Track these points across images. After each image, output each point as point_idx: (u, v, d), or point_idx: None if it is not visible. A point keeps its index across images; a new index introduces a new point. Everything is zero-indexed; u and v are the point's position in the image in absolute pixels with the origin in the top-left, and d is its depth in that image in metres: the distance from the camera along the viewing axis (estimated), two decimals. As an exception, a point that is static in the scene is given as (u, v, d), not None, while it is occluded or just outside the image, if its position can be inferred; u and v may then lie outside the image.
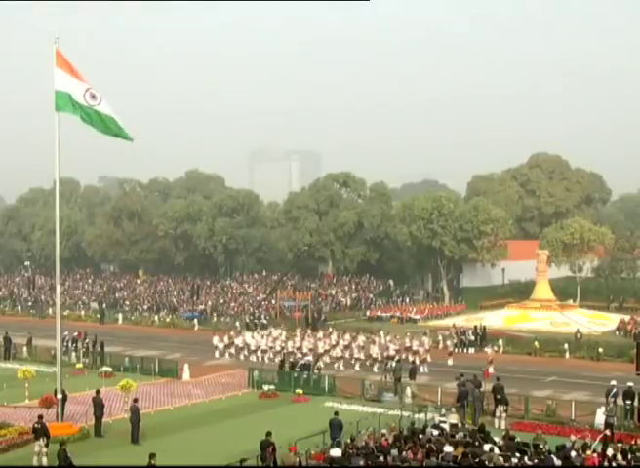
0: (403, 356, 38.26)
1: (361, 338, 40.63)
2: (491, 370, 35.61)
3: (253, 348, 41.24)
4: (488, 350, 39.01)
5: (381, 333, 41.72)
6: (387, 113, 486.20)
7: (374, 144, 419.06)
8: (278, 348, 40.07)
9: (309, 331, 44.51)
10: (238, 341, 42.29)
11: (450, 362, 39.08)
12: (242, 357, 41.17)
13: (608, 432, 22.83)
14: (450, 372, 33.07)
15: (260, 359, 40.14)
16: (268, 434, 20.00)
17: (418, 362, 36.94)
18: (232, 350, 42.10)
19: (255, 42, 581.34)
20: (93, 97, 24.45)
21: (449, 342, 43.20)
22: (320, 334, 42.65)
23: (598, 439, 21.06)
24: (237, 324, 55.73)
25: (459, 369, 34.95)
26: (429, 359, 38.44)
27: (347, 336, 41.44)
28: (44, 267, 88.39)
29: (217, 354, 42.13)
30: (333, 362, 38.66)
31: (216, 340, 42.69)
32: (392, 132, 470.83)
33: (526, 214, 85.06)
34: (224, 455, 20.67)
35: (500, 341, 43.48)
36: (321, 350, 39.41)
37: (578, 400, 28.06)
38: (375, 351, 38.14)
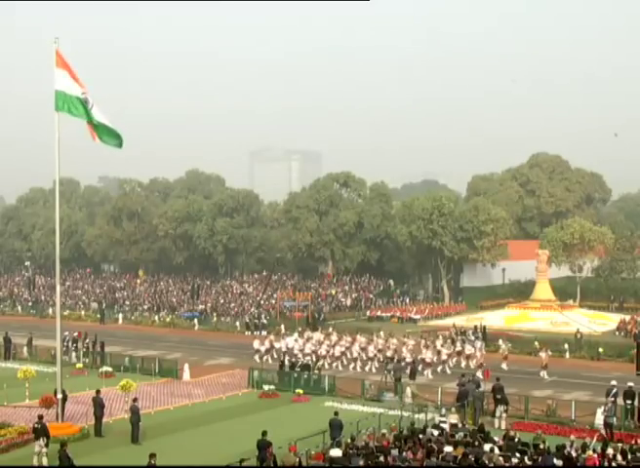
0: (454, 360, 37.70)
1: (392, 341, 39.18)
2: (545, 375, 34.97)
3: (296, 352, 39.15)
4: (542, 354, 36.58)
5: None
6: (388, 113, 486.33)
7: (374, 144, 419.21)
8: (323, 352, 38.65)
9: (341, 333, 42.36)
10: (282, 345, 40.42)
11: (504, 366, 37.35)
12: (286, 361, 37.86)
13: (602, 432, 22.75)
14: (506, 378, 31.56)
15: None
16: (264, 434, 20.01)
17: (472, 366, 36.52)
18: (274, 354, 40.29)
19: (254, 42, 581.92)
20: (87, 101, 24.46)
21: (504, 346, 39.83)
22: (363, 339, 40.23)
23: (595, 439, 21.05)
24: (237, 324, 55.90)
25: (514, 373, 34.84)
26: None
27: (395, 340, 39.68)
28: (44, 267, 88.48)
29: (257, 358, 39.91)
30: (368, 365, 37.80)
31: (256, 344, 40.47)
32: (392, 132, 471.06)
33: (526, 214, 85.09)
34: (224, 455, 20.67)
35: (501, 341, 43.44)
36: (372, 354, 38.06)
37: (578, 400, 28.04)
38: (427, 354, 36.85)
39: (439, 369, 36.73)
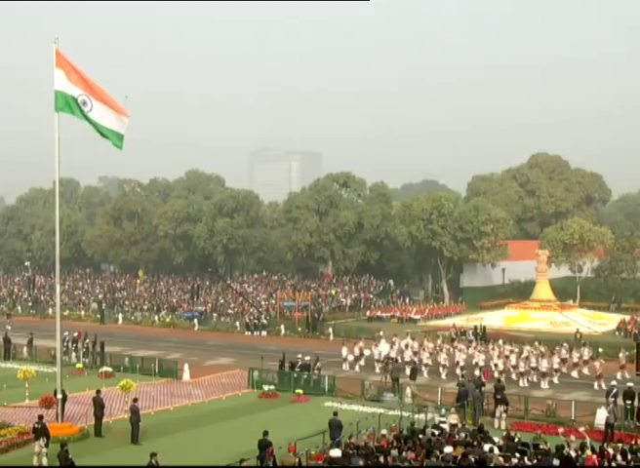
0: (564, 370, 35.67)
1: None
2: (626, 375, 32.68)
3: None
4: (621, 355, 34.77)
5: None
6: (387, 113, 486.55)
7: (374, 144, 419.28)
8: (425, 360, 36.27)
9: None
10: (375, 352, 37.73)
11: (625, 375, 34.10)
12: (377, 370, 36.35)
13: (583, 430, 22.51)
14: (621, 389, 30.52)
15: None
16: (265, 434, 20.03)
17: (575, 375, 35.22)
18: (362, 362, 37.87)
19: (254, 42, 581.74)
20: (84, 103, 24.31)
21: (621, 354, 35.58)
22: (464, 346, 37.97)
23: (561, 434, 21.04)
24: (237, 324, 55.89)
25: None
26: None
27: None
28: (44, 267, 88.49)
29: (345, 366, 37.57)
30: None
31: (345, 351, 37.74)
32: (392, 132, 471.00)
33: (526, 214, 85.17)
34: (224, 455, 20.68)
35: (500, 341, 43.41)
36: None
37: (578, 400, 28.05)
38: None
39: (534, 378, 34.44)
